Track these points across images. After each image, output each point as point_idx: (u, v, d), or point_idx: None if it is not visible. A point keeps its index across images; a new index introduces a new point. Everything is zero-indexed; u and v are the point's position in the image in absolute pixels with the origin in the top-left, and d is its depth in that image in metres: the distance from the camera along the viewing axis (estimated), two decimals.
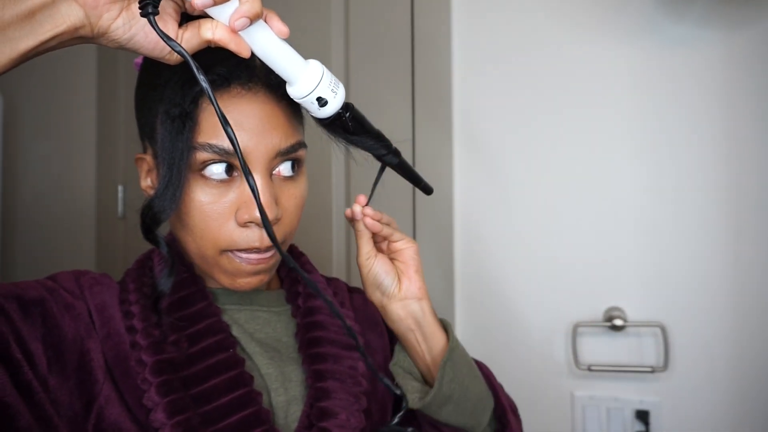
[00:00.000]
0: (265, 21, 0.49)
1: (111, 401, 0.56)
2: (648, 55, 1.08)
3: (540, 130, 1.13)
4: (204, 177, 0.57)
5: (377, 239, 0.70)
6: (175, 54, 0.48)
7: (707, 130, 1.05)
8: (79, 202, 1.69)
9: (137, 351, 0.57)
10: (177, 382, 0.56)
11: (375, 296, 0.70)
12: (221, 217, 0.58)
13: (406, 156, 1.23)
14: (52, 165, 1.73)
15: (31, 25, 0.43)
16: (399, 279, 0.69)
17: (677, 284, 1.06)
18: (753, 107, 1.03)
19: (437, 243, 1.17)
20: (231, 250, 0.59)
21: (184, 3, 0.49)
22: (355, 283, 0.84)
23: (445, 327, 0.71)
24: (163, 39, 0.44)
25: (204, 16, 0.49)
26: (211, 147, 0.56)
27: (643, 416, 1.06)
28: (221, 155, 0.56)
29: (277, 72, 0.52)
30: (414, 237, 1.19)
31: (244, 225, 0.58)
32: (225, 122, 0.46)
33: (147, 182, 0.64)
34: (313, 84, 0.53)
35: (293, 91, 0.54)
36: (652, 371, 1.05)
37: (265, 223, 0.50)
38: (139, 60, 0.65)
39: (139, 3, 0.44)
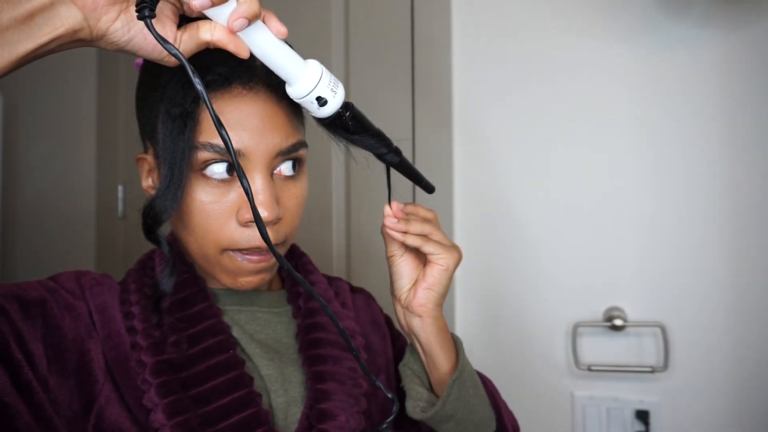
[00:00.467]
0: (263, 21, 0.49)
1: (111, 402, 0.56)
2: (648, 55, 1.08)
3: (540, 130, 1.13)
4: (205, 176, 0.57)
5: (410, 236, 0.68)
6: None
7: (707, 130, 1.05)
8: (79, 202, 1.69)
9: (137, 351, 0.57)
10: (177, 383, 0.56)
11: (390, 289, 0.69)
12: (222, 216, 0.58)
13: (407, 155, 1.23)
14: (52, 165, 1.73)
15: (30, 28, 0.43)
16: (416, 285, 0.66)
17: (677, 284, 1.06)
18: (753, 107, 1.03)
19: None
20: (232, 250, 0.59)
21: (182, 5, 0.49)
22: (356, 283, 0.84)
23: (455, 344, 0.69)
24: (159, 41, 0.44)
25: (203, 17, 0.49)
26: (212, 146, 0.56)
27: (643, 416, 1.06)
28: (222, 155, 0.56)
29: (276, 72, 0.52)
30: None
31: (245, 224, 0.58)
32: (219, 125, 0.46)
33: (148, 182, 0.64)
34: (312, 84, 0.53)
35: (292, 91, 0.53)
36: (652, 371, 1.05)
37: (259, 226, 0.49)
38: (140, 61, 0.65)
39: (136, 6, 0.43)
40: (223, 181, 0.58)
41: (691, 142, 1.06)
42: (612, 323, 1.07)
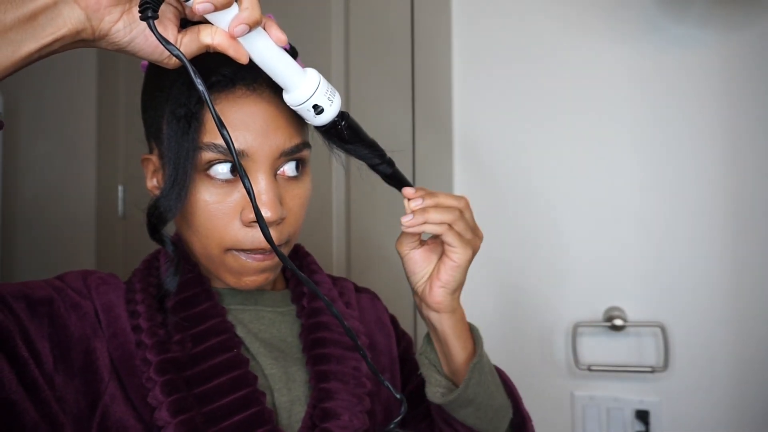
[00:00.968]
0: (264, 28, 0.50)
1: (116, 399, 0.56)
2: (648, 56, 1.08)
3: (540, 131, 1.13)
4: (209, 177, 0.58)
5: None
6: (174, 58, 0.49)
7: (707, 130, 1.05)
8: (79, 202, 1.69)
9: (142, 350, 0.58)
10: (181, 381, 0.57)
11: (410, 281, 0.68)
12: (226, 216, 0.58)
13: (407, 159, 1.23)
14: (52, 165, 1.73)
15: (33, 28, 0.43)
16: (429, 281, 0.65)
17: (677, 284, 1.06)
18: (752, 107, 1.03)
19: None
20: (236, 249, 0.60)
21: (184, 9, 0.49)
22: (358, 283, 0.84)
23: (473, 332, 0.69)
24: (161, 43, 0.44)
25: (204, 21, 0.49)
26: (216, 147, 0.56)
27: (643, 416, 1.06)
28: (226, 155, 0.57)
29: (274, 79, 0.53)
30: None
31: (249, 225, 0.59)
32: (221, 125, 0.47)
33: (153, 182, 0.65)
34: (310, 92, 0.53)
35: (290, 99, 0.54)
36: (652, 371, 1.05)
37: (262, 226, 0.50)
38: (146, 63, 0.65)
39: (139, 7, 0.44)
40: (226, 181, 0.58)
41: (692, 141, 1.06)
42: (612, 323, 1.07)
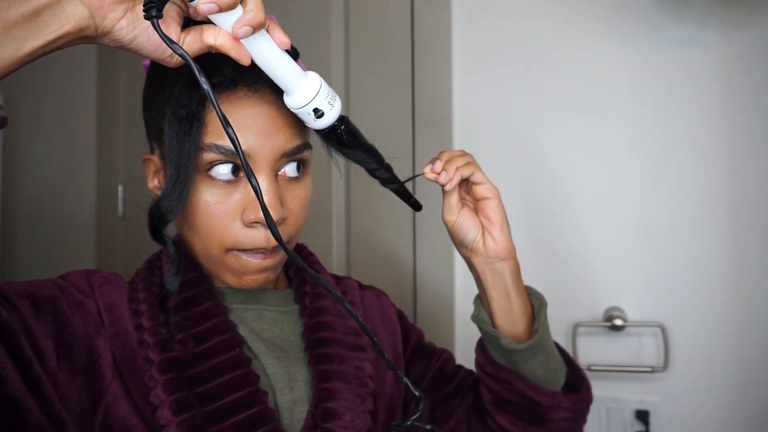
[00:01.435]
0: (267, 31, 0.50)
1: (118, 398, 0.57)
2: (648, 55, 1.08)
3: (539, 131, 1.13)
4: (210, 177, 0.58)
5: (461, 193, 0.69)
6: (176, 57, 0.49)
7: (707, 130, 1.05)
8: (79, 202, 1.69)
9: (145, 349, 0.58)
10: (183, 380, 0.57)
11: (462, 252, 0.70)
12: (227, 217, 0.59)
13: (407, 159, 1.23)
14: (52, 165, 1.73)
15: (37, 24, 0.43)
16: (483, 235, 0.67)
17: (677, 284, 1.06)
18: (753, 107, 1.03)
19: (437, 243, 1.17)
20: (237, 250, 0.60)
21: (188, 8, 0.49)
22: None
23: (528, 290, 0.71)
24: (165, 42, 0.44)
25: (207, 21, 0.49)
26: (217, 148, 0.57)
27: (643, 416, 1.06)
28: (227, 156, 0.57)
29: (275, 81, 0.53)
30: (414, 237, 1.19)
31: (249, 225, 0.59)
32: (226, 123, 0.47)
33: (154, 183, 0.65)
34: (311, 95, 0.53)
35: (290, 101, 0.54)
36: (652, 371, 1.05)
37: (270, 224, 0.50)
38: (147, 62, 0.65)
39: (144, 6, 0.44)
40: (228, 182, 0.58)
41: (692, 141, 1.06)
42: (612, 323, 1.07)
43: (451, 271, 1.17)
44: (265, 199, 0.57)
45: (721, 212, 1.04)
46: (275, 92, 0.58)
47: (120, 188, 1.61)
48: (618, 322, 1.06)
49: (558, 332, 1.12)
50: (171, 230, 0.62)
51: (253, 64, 0.51)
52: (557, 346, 0.73)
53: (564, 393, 0.69)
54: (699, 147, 1.05)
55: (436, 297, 1.18)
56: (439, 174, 0.65)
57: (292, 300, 0.71)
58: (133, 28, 0.46)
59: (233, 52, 0.48)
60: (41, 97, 1.74)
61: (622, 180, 1.09)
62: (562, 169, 1.12)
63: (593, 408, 0.73)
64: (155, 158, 0.64)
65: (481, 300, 0.71)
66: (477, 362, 0.72)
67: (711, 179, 1.04)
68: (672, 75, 1.07)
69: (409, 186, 0.68)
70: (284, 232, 0.61)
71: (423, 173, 0.66)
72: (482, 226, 0.68)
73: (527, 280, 0.71)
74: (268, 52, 0.50)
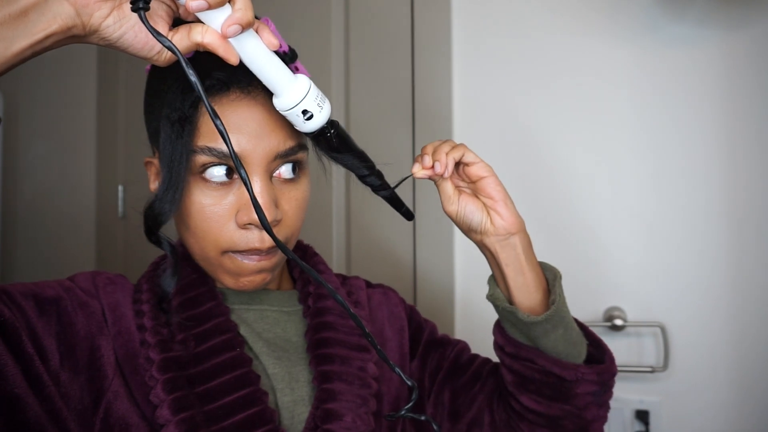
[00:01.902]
0: (257, 32, 0.50)
1: (119, 396, 0.57)
2: (648, 55, 1.08)
3: (539, 131, 1.13)
4: (204, 179, 0.59)
5: (454, 182, 0.68)
6: (164, 55, 0.49)
7: (707, 130, 1.05)
8: (79, 202, 1.69)
9: (146, 348, 0.59)
10: (183, 379, 0.58)
11: (472, 237, 0.68)
12: (222, 218, 0.59)
13: (407, 160, 1.23)
14: (52, 165, 1.73)
15: (25, 24, 0.43)
16: (489, 214, 0.66)
17: (677, 284, 1.06)
18: (753, 107, 1.03)
19: (437, 242, 1.17)
20: (232, 251, 0.60)
21: (177, 8, 0.50)
22: None
23: (542, 265, 0.70)
24: (152, 33, 0.44)
25: (196, 21, 0.49)
26: (210, 150, 0.57)
27: (643, 416, 1.06)
28: (220, 158, 0.58)
29: (264, 82, 0.53)
30: (414, 237, 1.19)
31: (243, 227, 0.59)
32: (215, 115, 0.47)
33: (155, 185, 0.66)
34: (299, 96, 0.53)
35: (279, 103, 0.54)
36: (652, 371, 1.05)
37: (264, 222, 0.50)
38: (149, 67, 0.66)
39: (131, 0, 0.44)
40: (222, 184, 0.59)
41: (691, 141, 1.06)
42: (612, 323, 1.07)
43: (451, 271, 1.17)
44: (259, 201, 0.57)
45: (721, 212, 1.04)
46: (268, 94, 0.58)
47: (120, 188, 1.61)
48: (618, 322, 1.06)
49: None
50: (172, 233, 0.62)
51: (243, 65, 0.51)
52: (575, 320, 0.71)
53: (588, 365, 0.68)
54: (699, 147, 1.05)
55: (436, 292, 1.18)
56: (431, 167, 0.63)
57: (296, 300, 0.71)
58: (120, 26, 0.46)
59: (221, 51, 0.48)
60: (41, 97, 1.74)
61: (621, 180, 1.09)
62: (562, 169, 1.12)
63: None
64: (155, 161, 0.64)
65: (495, 280, 0.70)
66: (496, 344, 0.71)
67: (711, 179, 1.04)
68: (672, 74, 1.07)
69: (408, 188, 0.68)
70: (279, 233, 0.61)
71: (412, 173, 0.65)
72: (485, 207, 0.66)
73: None
74: (256, 53, 0.50)
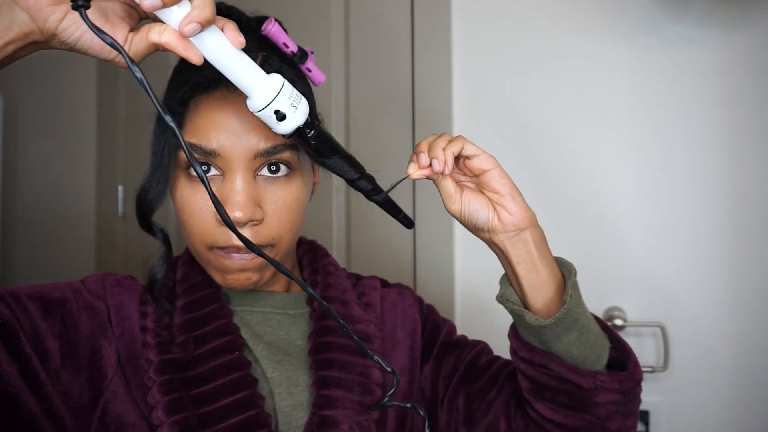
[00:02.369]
0: (223, 30, 0.48)
1: (117, 396, 0.58)
2: (648, 55, 1.08)
3: (539, 131, 1.13)
4: (189, 175, 0.60)
5: (455, 177, 0.63)
6: (126, 62, 0.47)
7: (707, 130, 1.05)
8: (79, 202, 1.69)
9: (146, 350, 0.60)
10: (179, 382, 0.58)
11: (479, 236, 0.64)
12: (204, 214, 0.60)
13: (407, 160, 1.23)
14: (52, 165, 1.73)
15: None
16: (495, 210, 0.62)
17: (677, 284, 1.06)
18: (753, 107, 1.03)
19: (437, 242, 1.17)
20: (216, 248, 0.61)
21: (139, 10, 0.48)
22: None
23: (557, 260, 0.66)
24: (93, 31, 0.43)
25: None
26: (192, 146, 0.58)
27: (643, 416, 1.06)
28: (200, 154, 0.58)
29: (233, 83, 0.51)
30: (414, 237, 1.19)
31: (221, 224, 0.59)
32: (163, 111, 0.45)
33: None
34: (270, 96, 0.51)
35: (251, 104, 0.52)
36: (652, 371, 1.05)
37: (226, 221, 0.48)
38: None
39: None
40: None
41: (691, 141, 1.06)
42: (612, 323, 1.07)
43: (451, 270, 1.17)
44: (236, 198, 0.57)
45: (721, 212, 1.04)
46: None
47: (120, 188, 1.61)
48: (618, 322, 1.06)
49: None
50: (174, 232, 0.62)
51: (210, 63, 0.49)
52: (597, 319, 0.66)
53: (608, 372, 0.63)
54: (699, 147, 1.05)
55: (435, 297, 1.18)
56: (428, 166, 0.59)
57: (304, 302, 0.70)
58: (76, 28, 0.45)
59: (180, 50, 0.46)
60: (41, 97, 1.74)
61: (621, 179, 1.09)
62: (562, 168, 1.12)
63: None
64: None
65: (509, 279, 0.66)
66: (510, 348, 0.67)
67: (711, 179, 1.04)
68: (672, 74, 1.07)
69: (405, 187, 0.65)
70: (261, 232, 0.60)
71: (408, 175, 0.61)
72: (491, 202, 0.62)
73: None
74: (220, 51, 0.48)
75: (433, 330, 0.75)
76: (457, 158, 0.62)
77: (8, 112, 1.68)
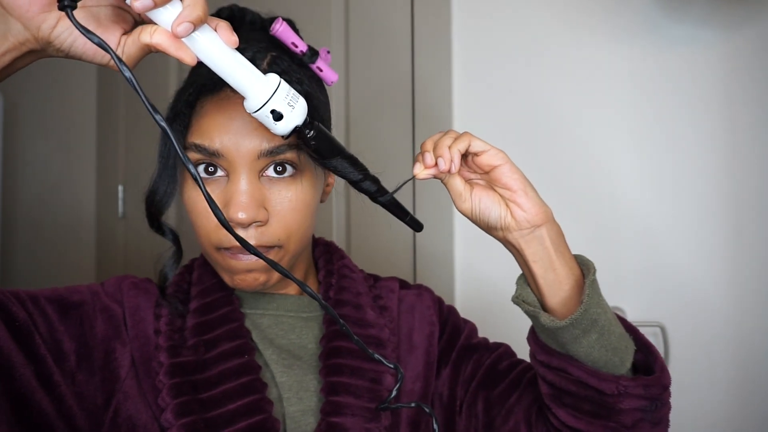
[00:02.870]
0: (216, 30, 0.48)
1: (129, 398, 0.59)
2: (648, 55, 1.08)
3: (539, 131, 1.13)
4: None
5: (464, 175, 0.61)
6: (114, 61, 0.46)
7: (707, 130, 1.05)
8: (79, 202, 1.69)
9: (158, 352, 0.60)
10: (188, 385, 0.58)
11: (493, 234, 0.61)
12: (210, 214, 0.59)
13: (407, 160, 1.23)
14: (52, 165, 1.73)
15: None
16: (508, 207, 0.59)
17: (677, 284, 1.06)
18: (753, 107, 1.03)
19: (437, 242, 1.17)
20: (223, 248, 0.60)
21: (133, 12, 0.48)
22: None
23: (577, 258, 0.63)
24: (80, 31, 0.42)
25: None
26: (197, 147, 0.58)
27: None
28: (205, 156, 0.58)
29: (229, 83, 0.50)
30: (414, 237, 1.19)
31: None
32: (154, 111, 0.45)
33: None
34: (266, 96, 0.50)
35: (247, 105, 0.51)
36: None
37: (222, 222, 0.48)
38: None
39: None
40: (207, 180, 0.59)
41: (691, 141, 1.06)
42: None
43: (451, 270, 1.17)
44: (239, 199, 0.57)
45: (721, 212, 1.04)
46: None
47: (120, 188, 1.61)
48: None
49: None
50: (185, 232, 0.63)
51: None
52: (622, 320, 0.63)
53: (632, 377, 0.60)
54: (699, 146, 1.05)
55: (436, 290, 1.18)
56: (434, 165, 0.57)
57: (318, 305, 0.69)
58: (69, 34, 0.45)
59: (172, 51, 0.46)
60: (41, 97, 1.74)
61: (621, 179, 1.09)
62: (561, 168, 1.12)
63: None
64: None
65: (525, 280, 0.63)
66: (530, 352, 0.64)
67: (711, 179, 1.04)
68: (672, 74, 1.07)
69: (405, 187, 0.63)
70: (266, 233, 0.59)
71: (414, 175, 0.59)
72: (503, 199, 0.59)
73: None
74: (213, 52, 0.48)
75: (453, 333, 0.73)
76: (466, 156, 0.60)
77: (8, 112, 1.68)
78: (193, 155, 0.58)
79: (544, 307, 0.61)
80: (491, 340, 0.76)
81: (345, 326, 0.57)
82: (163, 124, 0.45)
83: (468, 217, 0.61)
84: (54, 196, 1.72)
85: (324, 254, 0.74)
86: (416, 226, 0.62)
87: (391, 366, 0.59)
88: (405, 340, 0.70)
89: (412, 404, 0.62)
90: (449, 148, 0.58)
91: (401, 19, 1.22)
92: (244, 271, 0.60)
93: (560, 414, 0.61)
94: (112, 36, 0.47)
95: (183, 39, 0.46)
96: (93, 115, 1.69)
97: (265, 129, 0.55)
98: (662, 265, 1.06)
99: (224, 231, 0.58)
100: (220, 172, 0.59)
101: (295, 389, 0.62)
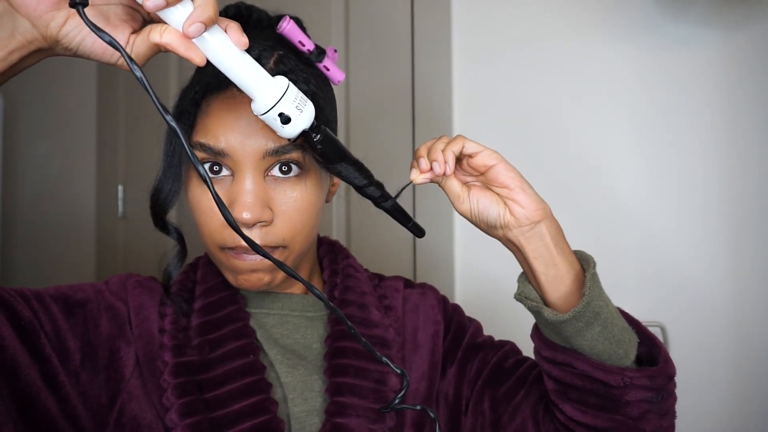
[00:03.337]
0: (226, 31, 0.48)
1: (134, 397, 0.58)
2: (648, 55, 1.08)
3: (539, 131, 1.13)
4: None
5: (461, 178, 0.62)
6: (125, 60, 0.46)
7: (707, 130, 1.05)
8: (79, 202, 1.69)
9: (163, 351, 0.60)
10: (192, 385, 0.58)
11: (493, 234, 0.62)
12: (214, 214, 0.59)
13: (407, 160, 1.23)
14: (52, 165, 1.73)
15: None
16: (506, 205, 0.60)
17: (677, 284, 1.06)
18: (753, 107, 1.03)
19: (438, 242, 1.17)
20: (227, 248, 0.60)
21: (144, 13, 0.48)
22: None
23: (576, 253, 0.64)
24: (91, 29, 0.42)
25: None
26: (202, 146, 0.58)
27: None
28: (209, 155, 0.58)
29: (237, 85, 0.50)
30: (414, 238, 1.19)
31: None
32: (164, 111, 0.45)
33: None
34: (275, 98, 0.50)
35: (255, 107, 0.51)
36: None
37: (229, 221, 0.48)
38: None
39: None
40: (213, 179, 0.59)
41: (691, 141, 1.06)
42: None
43: (451, 270, 1.17)
44: (244, 199, 0.57)
45: (721, 212, 1.04)
46: None
47: (120, 188, 1.61)
48: None
49: None
50: (189, 231, 0.63)
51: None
52: (624, 313, 0.64)
53: (637, 368, 0.60)
54: (699, 147, 1.05)
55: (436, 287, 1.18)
56: (429, 169, 0.59)
57: (323, 305, 0.68)
58: (78, 33, 0.45)
59: (181, 50, 0.45)
60: (41, 97, 1.74)
61: (621, 179, 1.09)
62: (561, 168, 1.12)
63: None
64: None
65: (527, 277, 0.63)
66: (534, 348, 0.65)
67: (711, 179, 1.04)
68: (672, 74, 1.07)
69: (405, 192, 0.63)
70: (271, 233, 0.59)
71: (411, 181, 0.60)
72: (501, 197, 0.60)
73: None
74: (223, 53, 0.48)
75: (458, 332, 0.73)
76: (461, 159, 0.61)
77: (8, 112, 1.68)
78: (198, 154, 0.58)
79: (546, 303, 0.61)
80: (491, 333, 0.76)
81: (353, 329, 0.56)
82: (174, 124, 0.45)
83: (467, 218, 0.61)
84: (54, 195, 1.72)
85: (329, 253, 0.74)
86: (418, 232, 0.63)
87: (398, 371, 0.59)
88: (410, 339, 0.70)
89: (417, 407, 0.62)
90: (443, 151, 0.59)
91: (401, 20, 1.22)
92: (248, 271, 0.60)
93: (566, 409, 0.61)
94: (121, 35, 0.46)
95: (193, 39, 0.46)
96: (93, 115, 1.69)
97: (270, 129, 0.55)
98: (662, 265, 1.06)
99: (228, 230, 0.58)
100: (225, 172, 0.59)
101: (299, 389, 0.62)
